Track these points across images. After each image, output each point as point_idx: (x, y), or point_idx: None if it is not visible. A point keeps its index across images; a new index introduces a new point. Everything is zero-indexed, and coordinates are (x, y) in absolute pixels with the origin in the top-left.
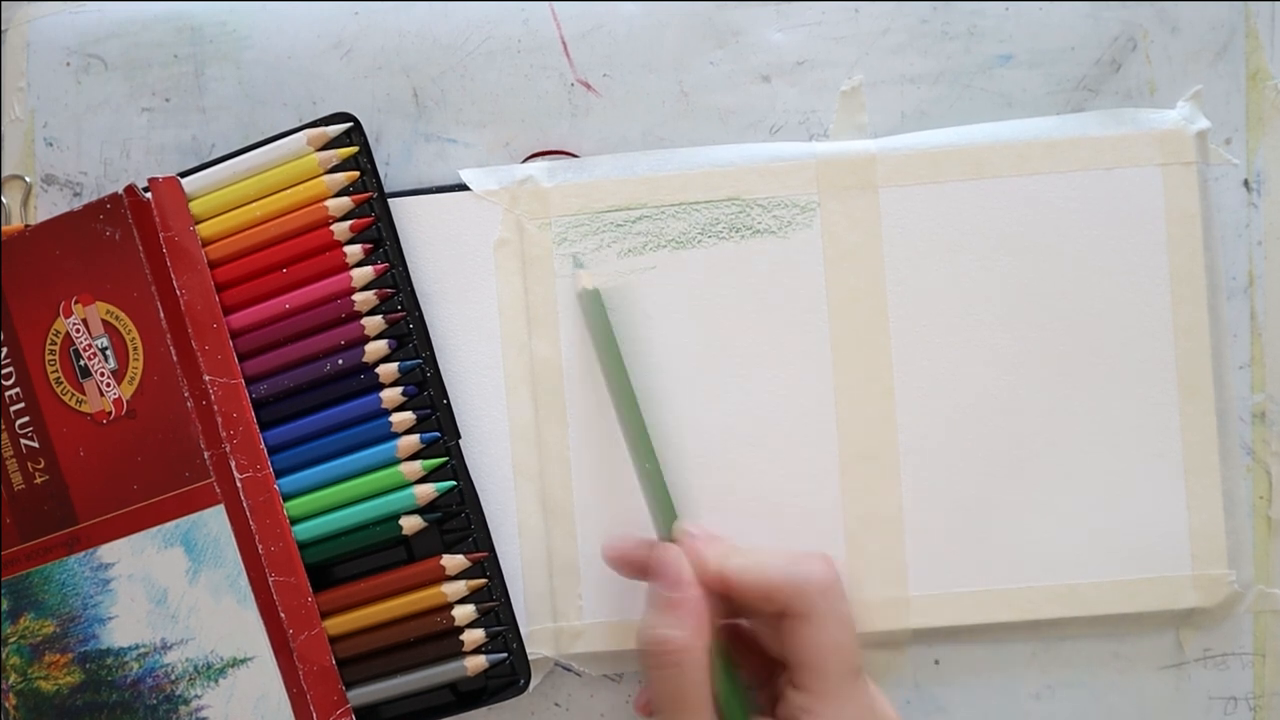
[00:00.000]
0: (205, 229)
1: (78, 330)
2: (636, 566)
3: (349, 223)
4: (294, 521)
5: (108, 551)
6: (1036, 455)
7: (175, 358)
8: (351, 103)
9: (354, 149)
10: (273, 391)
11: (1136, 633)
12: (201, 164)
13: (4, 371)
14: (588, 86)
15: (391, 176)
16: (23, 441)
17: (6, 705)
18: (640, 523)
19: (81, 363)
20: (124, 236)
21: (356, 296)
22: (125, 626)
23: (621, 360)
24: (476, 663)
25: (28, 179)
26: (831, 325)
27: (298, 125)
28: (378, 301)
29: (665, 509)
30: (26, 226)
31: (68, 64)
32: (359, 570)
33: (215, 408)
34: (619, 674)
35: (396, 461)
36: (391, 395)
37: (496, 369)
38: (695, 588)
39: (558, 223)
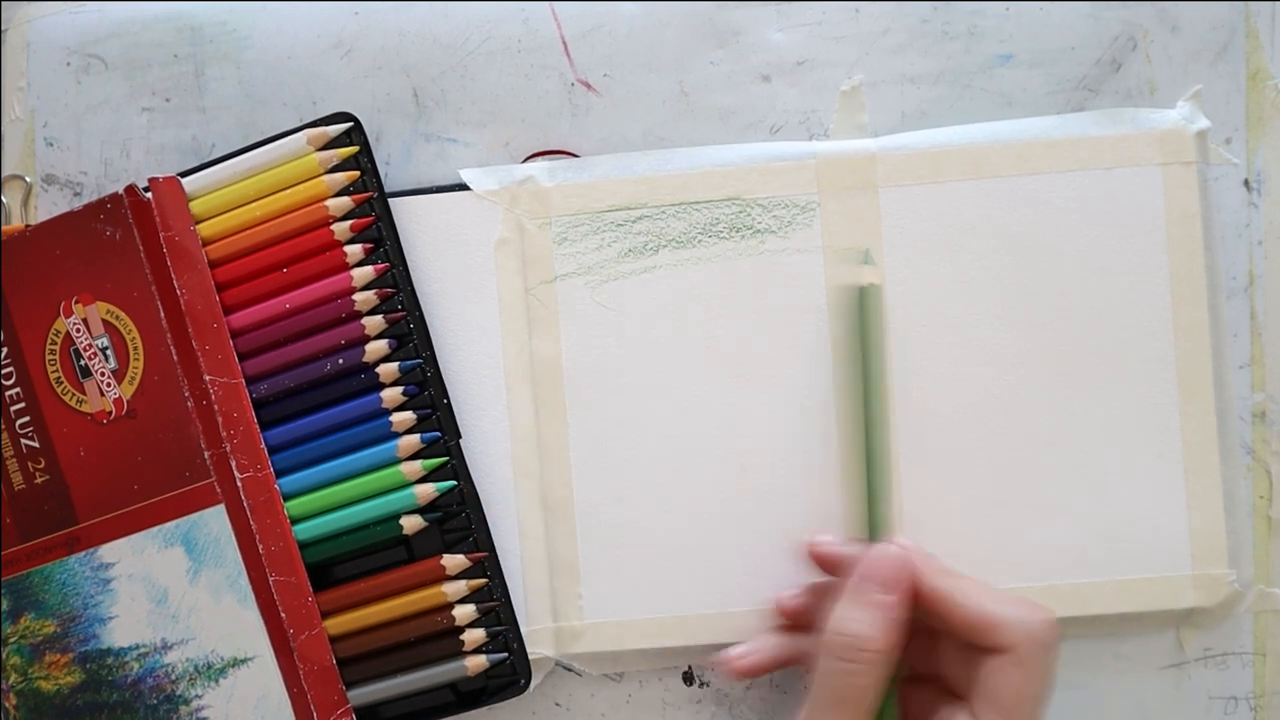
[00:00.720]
0: (205, 229)
1: (78, 330)
2: (835, 564)
3: (349, 222)
4: (294, 521)
5: (108, 551)
6: (1036, 455)
7: (175, 357)
8: (351, 103)
9: (354, 149)
10: (273, 391)
11: (1136, 633)
12: (201, 164)
13: (4, 371)
14: (588, 86)
15: (391, 176)
16: (23, 441)
17: (6, 705)
18: (641, 523)
19: (82, 362)
20: (124, 236)
21: (357, 296)
22: (125, 626)
23: (882, 359)
24: (477, 662)
25: (28, 179)
26: (831, 325)
27: (298, 125)
28: (378, 301)
29: (880, 517)
30: (26, 226)
31: (68, 64)
32: (359, 570)
33: (215, 407)
34: (619, 674)
35: (397, 461)
36: (392, 395)
37: (496, 369)
38: (905, 594)
39: (558, 223)
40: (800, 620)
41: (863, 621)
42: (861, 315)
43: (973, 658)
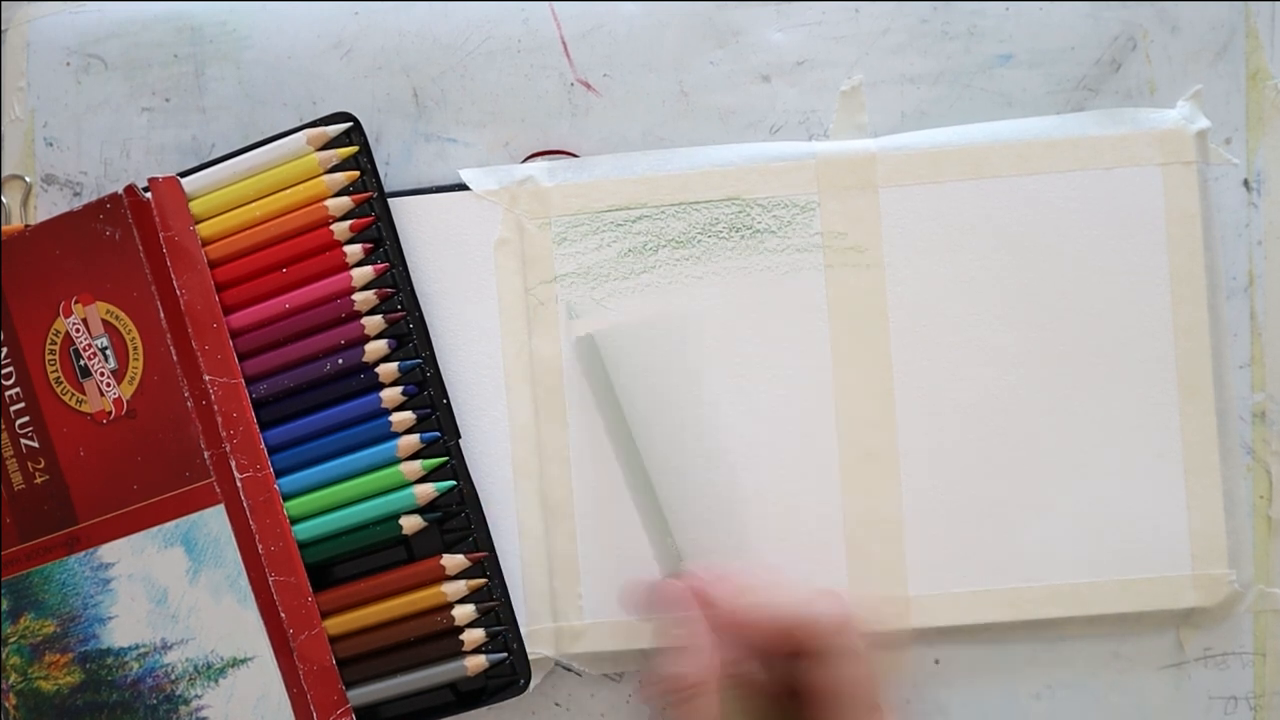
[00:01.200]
0: (205, 229)
1: (78, 330)
2: (647, 607)
3: (349, 222)
4: (294, 521)
5: (108, 551)
6: (1036, 455)
7: (175, 357)
8: (351, 103)
9: (354, 149)
10: (273, 391)
11: (1136, 633)
12: (201, 164)
13: (4, 371)
14: (588, 86)
15: (391, 176)
16: (23, 441)
17: (6, 705)
18: (641, 523)
19: (81, 362)
20: (124, 236)
21: (356, 296)
22: (125, 626)
23: (620, 405)
24: (476, 662)
25: (28, 179)
26: (831, 325)
27: (298, 125)
28: (378, 301)
29: (670, 550)
30: (26, 226)
31: (68, 64)
32: (359, 570)
33: (215, 407)
34: (619, 674)
35: (396, 461)
36: (391, 395)
37: (496, 369)
38: (701, 624)
39: (558, 222)
40: None
41: (673, 662)
42: (586, 365)
43: (796, 664)
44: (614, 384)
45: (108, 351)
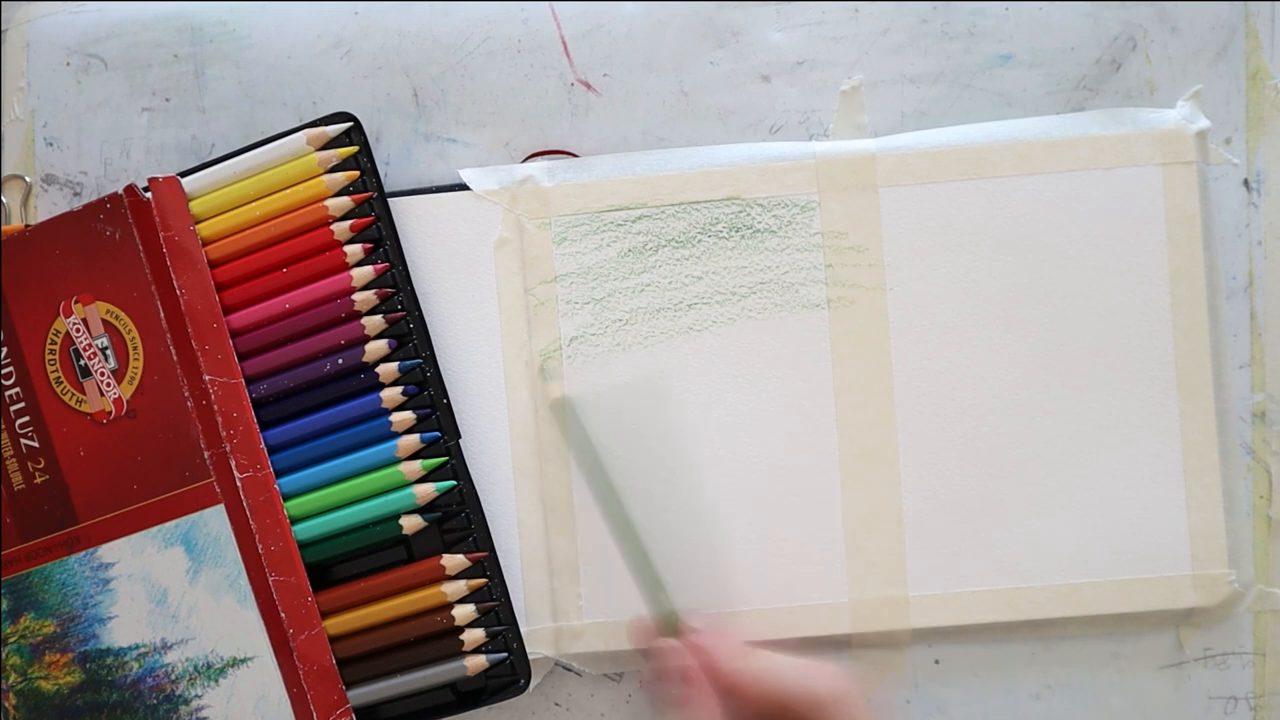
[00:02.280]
0: (205, 229)
1: (78, 330)
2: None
3: (349, 222)
4: (294, 521)
5: (108, 551)
6: (1036, 455)
7: (175, 357)
8: (351, 103)
9: (354, 149)
10: (273, 391)
11: (1136, 633)
12: (201, 164)
13: (4, 371)
14: (588, 86)
15: (391, 176)
16: (23, 441)
17: (6, 705)
18: (640, 523)
19: (81, 362)
20: (124, 236)
21: (356, 296)
22: (125, 626)
23: (601, 462)
24: (476, 662)
25: (28, 179)
26: (831, 325)
27: (298, 125)
28: (378, 301)
29: (665, 606)
30: (26, 226)
31: (68, 64)
32: (359, 570)
33: (215, 407)
34: (619, 673)
35: (396, 461)
36: (391, 395)
37: (496, 369)
38: (703, 684)
39: (558, 222)
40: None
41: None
42: (564, 426)
43: None
44: (594, 443)
45: (108, 351)
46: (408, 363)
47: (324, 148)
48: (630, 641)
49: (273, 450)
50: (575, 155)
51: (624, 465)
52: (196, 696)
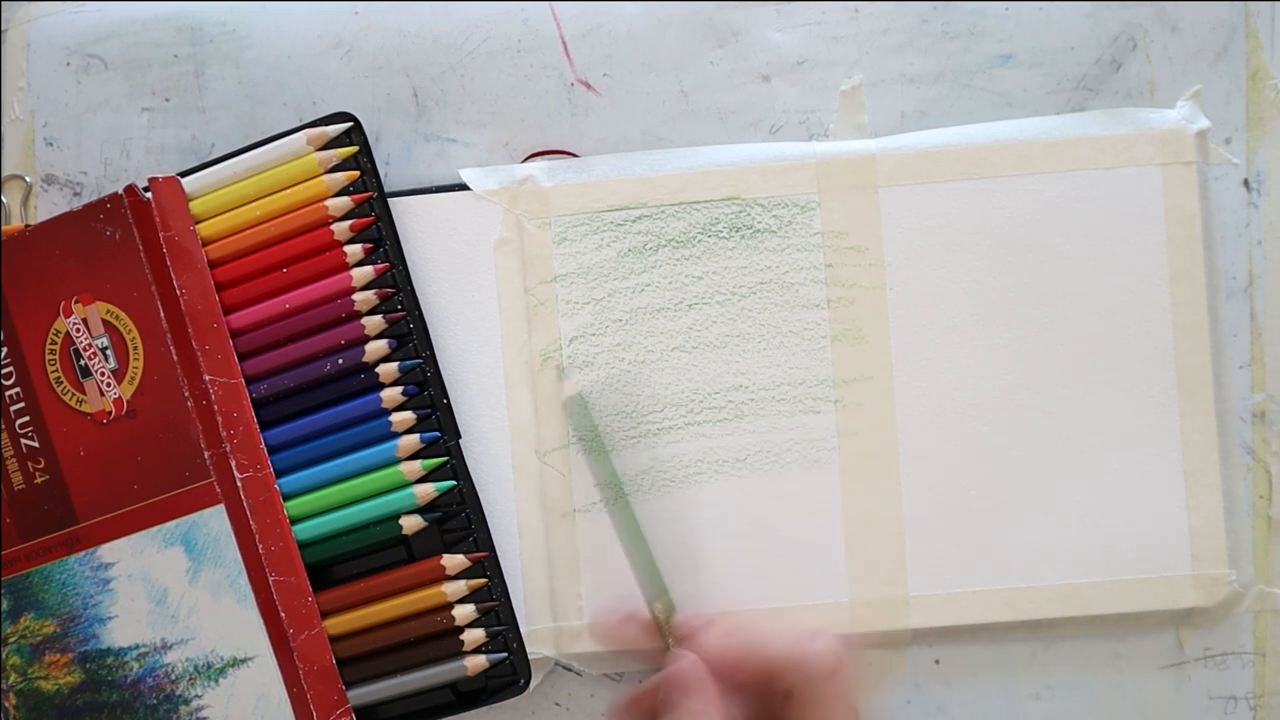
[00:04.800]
0: (205, 229)
1: (78, 330)
2: (621, 640)
3: (349, 222)
4: (294, 521)
5: (108, 551)
6: (1036, 455)
7: (175, 357)
8: (351, 103)
9: (354, 149)
10: (273, 391)
11: (1136, 633)
12: (201, 164)
13: (4, 371)
14: (588, 86)
15: (391, 176)
16: (23, 441)
17: (6, 705)
18: (640, 522)
19: (82, 362)
20: (124, 236)
21: (356, 296)
22: (125, 626)
23: (610, 461)
24: (476, 662)
25: (28, 179)
26: (831, 325)
27: (298, 125)
28: (378, 301)
29: (663, 597)
30: (26, 226)
31: (68, 64)
32: (359, 570)
33: (215, 407)
34: (619, 674)
35: (396, 461)
36: (391, 395)
37: (496, 369)
38: (711, 687)
39: (558, 222)
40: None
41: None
42: (575, 422)
43: (786, 706)
44: (605, 438)
45: (108, 351)
46: (408, 363)
47: (324, 148)
48: (595, 642)
49: (273, 450)
50: (575, 155)
51: (624, 464)
52: (196, 696)
